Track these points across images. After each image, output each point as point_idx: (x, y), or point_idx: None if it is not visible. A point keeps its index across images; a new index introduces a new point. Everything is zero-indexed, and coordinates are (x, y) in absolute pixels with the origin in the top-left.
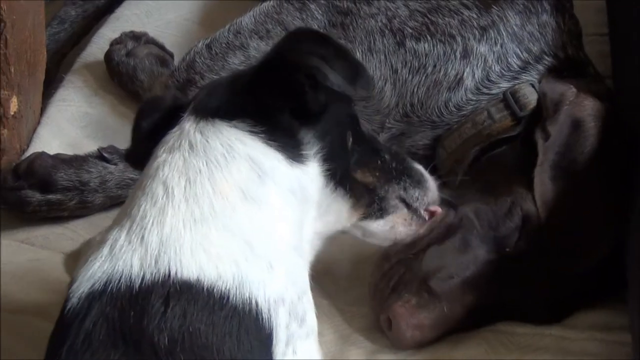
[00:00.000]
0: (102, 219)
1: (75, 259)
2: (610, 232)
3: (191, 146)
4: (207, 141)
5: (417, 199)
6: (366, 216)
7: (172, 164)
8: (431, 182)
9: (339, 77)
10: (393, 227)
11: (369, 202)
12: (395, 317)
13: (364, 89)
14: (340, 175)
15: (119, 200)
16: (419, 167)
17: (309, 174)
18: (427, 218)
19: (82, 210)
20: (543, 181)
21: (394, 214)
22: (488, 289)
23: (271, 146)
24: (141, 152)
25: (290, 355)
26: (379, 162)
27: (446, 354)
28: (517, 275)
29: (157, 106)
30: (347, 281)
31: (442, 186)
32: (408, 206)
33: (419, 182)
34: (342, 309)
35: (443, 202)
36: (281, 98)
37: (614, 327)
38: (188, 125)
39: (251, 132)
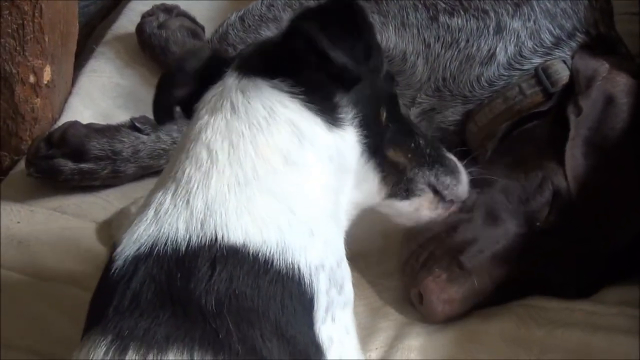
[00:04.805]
0: (133, 189)
1: (108, 228)
2: None
3: (233, 107)
4: (249, 102)
5: (448, 186)
6: (392, 195)
7: (214, 126)
8: (464, 176)
9: (343, 56)
10: (418, 209)
11: (396, 181)
12: (426, 292)
13: (374, 71)
14: (374, 148)
15: (150, 170)
16: (453, 158)
17: (347, 140)
18: (452, 205)
19: (114, 179)
20: (574, 156)
21: (420, 197)
22: (518, 263)
23: (310, 109)
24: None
25: (329, 322)
26: (413, 144)
27: (477, 328)
28: (547, 250)
29: (194, 57)
30: (377, 254)
31: (473, 161)
32: (436, 192)
33: (452, 172)
34: (373, 281)
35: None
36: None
37: None
38: (230, 82)
39: (291, 93)
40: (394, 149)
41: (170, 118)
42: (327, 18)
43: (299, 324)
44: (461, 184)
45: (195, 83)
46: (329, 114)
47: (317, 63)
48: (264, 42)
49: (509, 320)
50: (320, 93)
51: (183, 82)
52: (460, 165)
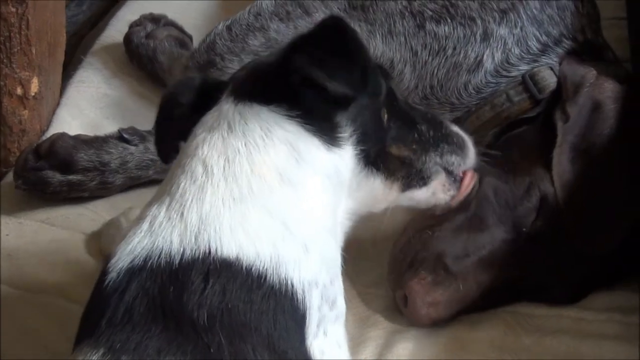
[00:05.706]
0: (122, 200)
1: (97, 240)
2: (629, 214)
3: (230, 127)
4: (246, 123)
5: (454, 163)
6: (408, 186)
7: (211, 143)
8: (470, 146)
9: (340, 85)
10: (434, 193)
11: (406, 174)
12: (411, 293)
13: (374, 94)
14: (374, 154)
15: (139, 181)
16: (458, 131)
17: (345, 158)
18: (462, 185)
19: (103, 191)
20: (562, 162)
21: (435, 180)
22: (504, 268)
23: (308, 131)
24: (172, 137)
25: (321, 337)
26: (416, 134)
27: (465, 335)
28: (534, 256)
29: (186, 88)
30: (366, 262)
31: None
32: (447, 171)
33: (457, 147)
34: (361, 290)
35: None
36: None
37: (633, 309)
38: (227, 106)
39: (288, 116)
40: (396, 145)
41: (176, 153)
42: (320, 48)
43: (291, 339)
44: (467, 157)
45: (192, 113)
46: (328, 134)
47: (315, 93)
48: (257, 66)
49: (497, 327)
50: (319, 115)
51: (180, 116)
52: (464, 137)
